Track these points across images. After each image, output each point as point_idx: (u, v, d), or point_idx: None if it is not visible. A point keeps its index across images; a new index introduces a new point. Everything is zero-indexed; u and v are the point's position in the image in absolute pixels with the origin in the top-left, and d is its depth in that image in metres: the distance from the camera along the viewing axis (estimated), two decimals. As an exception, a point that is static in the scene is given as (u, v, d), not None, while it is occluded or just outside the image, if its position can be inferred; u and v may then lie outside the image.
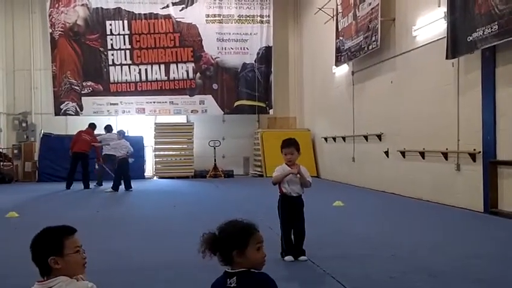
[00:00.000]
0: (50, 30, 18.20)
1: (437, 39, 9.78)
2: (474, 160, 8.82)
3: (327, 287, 4.60)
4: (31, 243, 2.18)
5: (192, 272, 4.90)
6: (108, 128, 14.69)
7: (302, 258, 5.37)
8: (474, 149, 8.78)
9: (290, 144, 5.38)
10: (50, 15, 18.18)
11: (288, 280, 4.64)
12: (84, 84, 18.45)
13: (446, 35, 9.15)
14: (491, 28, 7.88)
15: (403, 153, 11.37)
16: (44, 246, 2.14)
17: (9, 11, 18.49)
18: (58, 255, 2.11)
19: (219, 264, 2.24)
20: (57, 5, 18.19)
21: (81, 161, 14.20)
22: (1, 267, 5.38)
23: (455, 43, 8.91)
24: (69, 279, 2.12)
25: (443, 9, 9.43)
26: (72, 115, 17.86)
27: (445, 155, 9.65)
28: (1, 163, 16.82)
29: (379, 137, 12.65)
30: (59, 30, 18.24)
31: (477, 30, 8.25)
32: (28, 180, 17.41)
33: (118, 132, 14.32)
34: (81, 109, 18.44)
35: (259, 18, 19.30)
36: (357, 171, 14.20)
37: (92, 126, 14.94)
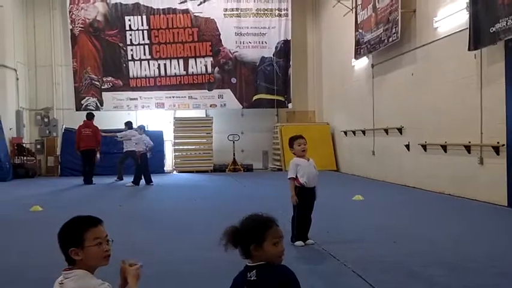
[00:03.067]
0: (70, 27, 18.39)
1: (459, 31, 9.62)
2: (498, 153, 8.66)
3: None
4: (58, 232, 2.23)
5: (214, 266, 4.94)
6: (129, 125, 14.70)
7: (309, 241, 5.82)
8: (498, 142, 8.62)
9: (301, 136, 5.92)
10: (70, 12, 18.36)
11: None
12: (104, 79, 18.61)
13: (468, 26, 8.99)
14: (515, 18, 7.71)
15: (424, 147, 11.24)
16: (65, 237, 2.18)
17: (31, 8, 18.72)
18: (78, 247, 2.15)
19: (241, 257, 2.26)
20: (77, 2, 18.35)
21: (88, 157, 14.21)
22: (26, 260, 5.48)
23: (478, 34, 8.74)
24: (83, 273, 2.15)
25: (465, 0, 9.26)
26: (93, 110, 18.02)
27: (468, 148, 9.50)
28: (24, 158, 17.08)
29: (400, 130, 12.51)
30: (79, 27, 18.42)
31: (500, 21, 8.08)
32: (51, 174, 17.68)
33: (138, 127, 14.40)
34: (102, 104, 18.63)
35: (277, 12, 19.21)
36: (377, 165, 14.09)
37: (90, 116, 14.76)
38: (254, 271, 2.19)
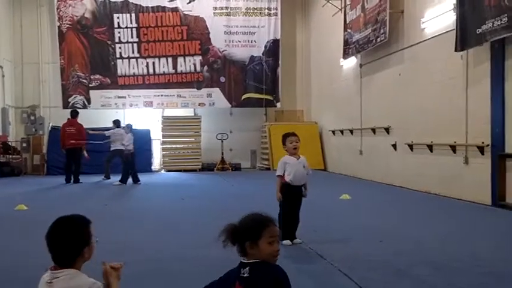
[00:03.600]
0: (58, 24, 18.20)
1: (446, 32, 9.72)
2: (482, 153, 8.78)
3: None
4: (59, 233, 2.16)
5: (202, 264, 4.95)
6: (117, 123, 14.57)
7: (297, 241, 5.82)
8: (482, 142, 8.74)
9: (294, 134, 5.89)
10: (57, 9, 18.17)
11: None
12: (92, 77, 18.46)
13: (455, 27, 9.09)
14: (501, 20, 7.82)
15: (411, 146, 11.34)
16: (76, 237, 2.16)
17: (18, 5, 18.50)
18: (88, 245, 2.18)
19: (238, 255, 2.28)
20: (64, -2, 18.19)
21: (73, 156, 14.07)
22: (12, 260, 5.42)
23: (465, 35, 8.84)
24: (75, 272, 2.14)
25: (453, 1, 9.37)
26: (80, 108, 17.81)
27: (453, 148, 9.61)
28: (10, 156, 16.87)
29: (387, 130, 12.61)
30: (67, 24, 18.25)
31: (486, 22, 8.19)
32: (36, 173, 17.48)
33: (126, 126, 14.27)
34: (89, 102, 18.48)
35: (266, 11, 19.22)
36: (364, 164, 14.17)
37: (74, 114, 14.56)
38: (247, 268, 2.21)
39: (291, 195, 5.79)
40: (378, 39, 12.42)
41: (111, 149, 14.16)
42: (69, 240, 2.15)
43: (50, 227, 2.20)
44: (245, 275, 2.20)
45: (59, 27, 18.22)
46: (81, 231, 2.20)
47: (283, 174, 5.79)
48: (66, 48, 18.29)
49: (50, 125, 18.03)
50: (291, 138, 5.81)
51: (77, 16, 18.28)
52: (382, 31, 12.18)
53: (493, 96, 8.46)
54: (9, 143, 17.17)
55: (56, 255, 2.16)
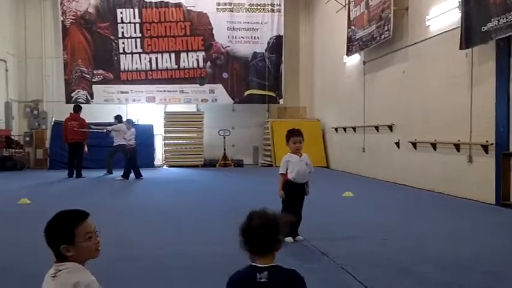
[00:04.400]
0: (62, 18, 18.20)
1: (451, 29, 9.66)
2: (487, 152, 8.73)
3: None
4: (44, 229, 2.17)
5: (205, 261, 4.95)
6: (119, 118, 14.57)
7: (299, 238, 5.80)
8: (487, 141, 8.69)
9: (299, 134, 5.83)
10: (61, 3, 18.16)
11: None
12: (95, 72, 18.46)
13: (460, 25, 9.03)
14: (507, 18, 7.76)
15: (414, 145, 11.29)
16: (55, 234, 2.13)
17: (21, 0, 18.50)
18: (69, 244, 2.11)
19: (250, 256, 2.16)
20: (68, -7, 18.18)
21: (75, 150, 14.11)
22: (14, 253, 5.42)
23: (469, 33, 8.79)
24: (77, 266, 2.13)
25: (458, -2, 9.30)
26: (83, 103, 17.77)
27: (457, 146, 9.57)
28: (13, 150, 16.93)
29: (390, 127, 12.56)
30: (70, 18, 18.24)
31: (492, 20, 8.13)
32: (39, 167, 17.53)
33: (127, 121, 14.27)
34: (92, 97, 18.48)
35: (270, 7, 19.16)
36: (367, 162, 14.14)
37: (76, 108, 14.63)
38: (266, 272, 2.09)
39: (294, 192, 5.80)
40: (382, 37, 12.36)
41: (114, 144, 14.17)
42: (48, 238, 2.15)
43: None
44: (263, 280, 2.08)
45: (62, 22, 18.21)
46: (54, 229, 2.15)
47: (286, 172, 5.80)
48: (70, 43, 18.29)
49: (53, 119, 18.02)
50: (295, 139, 5.79)
51: (80, 11, 18.27)
52: (386, 28, 12.13)
53: (498, 94, 8.40)
54: (13, 137, 17.21)
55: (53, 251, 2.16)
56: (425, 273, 4.56)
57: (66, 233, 2.12)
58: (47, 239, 2.15)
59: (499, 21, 7.95)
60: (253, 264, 2.13)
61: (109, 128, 14.38)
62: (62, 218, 2.17)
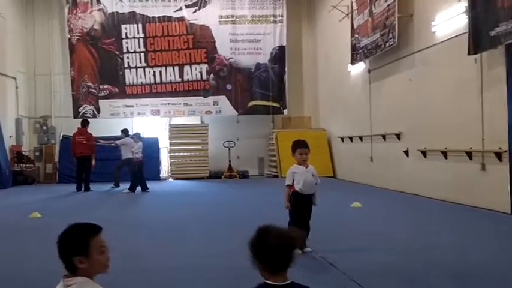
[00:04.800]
0: (68, 36, 18.42)
1: (458, 35, 9.51)
2: (500, 159, 8.49)
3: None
4: (58, 240, 2.16)
5: (212, 273, 4.87)
6: (126, 132, 14.64)
7: (307, 249, 5.64)
8: (500, 148, 8.46)
9: (304, 145, 5.83)
10: (68, 21, 18.40)
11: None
12: (101, 87, 18.59)
13: (467, 30, 8.87)
14: (516, 22, 7.60)
15: (424, 153, 11.08)
16: (70, 245, 2.13)
17: (31, 18, 18.85)
18: (83, 255, 2.10)
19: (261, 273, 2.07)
20: (74, 11, 18.39)
21: (83, 164, 14.21)
22: (26, 267, 5.39)
23: (478, 38, 8.62)
24: (85, 280, 2.11)
25: (464, 3, 9.16)
26: (89, 118, 17.74)
27: (469, 154, 9.33)
28: (24, 165, 17.25)
29: (398, 136, 12.37)
30: (77, 35, 18.45)
31: (500, 24, 7.97)
32: (49, 181, 17.73)
33: (135, 134, 14.34)
34: (99, 112, 18.57)
35: (272, 18, 19.16)
36: (375, 171, 13.93)
37: (84, 123, 14.77)
38: None
39: (301, 204, 5.72)
40: (387, 44, 12.23)
41: (122, 158, 14.19)
42: (62, 249, 2.14)
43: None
44: None
45: (69, 39, 18.44)
46: (68, 241, 2.14)
47: (292, 184, 5.73)
48: (76, 59, 18.49)
49: (61, 134, 18.18)
50: (301, 150, 5.78)
51: (86, 28, 18.47)
52: (390, 36, 11.99)
53: (510, 100, 8.21)
54: (23, 153, 17.56)
55: (63, 263, 2.15)
56: (436, 284, 4.45)
57: (81, 244, 2.12)
58: (59, 249, 2.15)
59: (507, 25, 7.79)
60: (269, 282, 2.04)
61: (117, 142, 14.46)
62: (77, 229, 2.19)
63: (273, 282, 2.02)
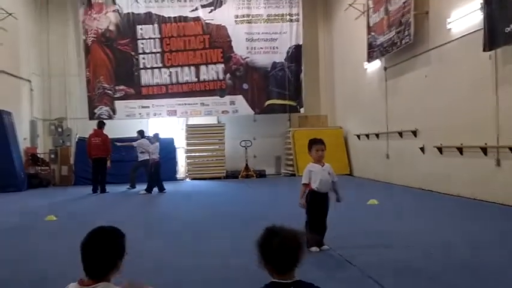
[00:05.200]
0: (84, 37, 18.59)
1: (473, 32, 9.50)
2: (515, 155, 8.51)
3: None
4: (96, 244, 2.16)
5: (228, 273, 4.90)
6: (142, 133, 14.66)
7: (325, 247, 5.74)
8: (515, 143, 8.47)
9: (321, 142, 5.85)
10: (83, 22, 18.57)
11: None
12: (116, 88, 18.71)
13: (482, 27, 8.86)
14: (531, 17, 7.58)
15: (439, 149, 11.08)
16: (116, 248, 2.17)
17: (45, 20, 18.97)
18: (122, 258, 2.18)
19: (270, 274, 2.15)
20: (89, 12, 18.56)
21: (99, 166, 14.14)
22: (43, 269, 5.42)
23: (493, 35, 8.61)
24: (108, 286, 2.14)
25: (480, 0, 9.14)
26: (105, 119, 17.91)
27: (484, 150, 9.35)
28: (39, 168, 17.18)
29: (414, 133, 12.37)
30: (92, 37, 18.59)
31: (515, 20, 7.95)
32: (65, 183, 17.68)
33: (154, 135, 14.29)
34: (114, 113, 18.71)
35: (288, 17, 19.20)
36: (391, 168, 13.93)
37: (100, 125, 14.63)
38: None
39: (317, 202, 5.75)
40: (403, 42, 12.23)
41: (139, 159, 14.27)
42: (106, 252, 2.14)
43: (87, 237, 2.18)
44: None
45: (84, 40, 18.59)
46: (118, 243, 2.19)
47: (309, 182, 5.76)
48: (92, 60, 18.62)
49: (77, 136, 18.26)
50: (318, 147, 5.79)
51: (101, 29, 18.60)
52: (406, 33, 11.99)
53: (525, 95, 8.20)
54: (38, 155, 17.49)
55: (90, 266, 2.13)
56: (453, 281, 4.45)
57: (123, 247, 2.19)
58: (101, 252, 2.13)
59: (522, 21, 7.78)
60: (276, 280, 2.11)
61: (134, 143, 14.50)
62: (117, 231, 2.23)
63: (279, 280, 2.09)
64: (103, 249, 2.13)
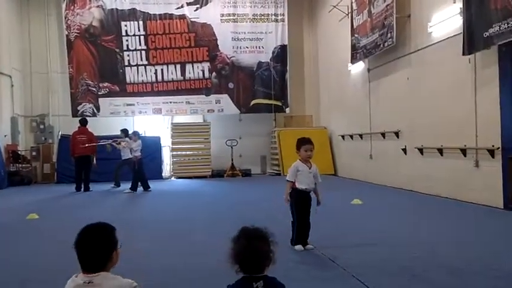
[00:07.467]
0: (66, 32, 18.33)
1: (453, 36, 9.75)
2: (493, 156, 8.77)
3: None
4: (91, 238, 2.24)
5: (212, 274, 4.97)
6: (126, 132, 14.56)
7: (309, 246, 5.87)
8: (493, 145, 8.73)
9: (310, 142, 5.96)
10: (65, 17, 18.29)
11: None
12: (100, 85, 18.54)
13: (462, 31, 9.10)
14: (508, 23, 7.83)
15: (421, 150, 11.34)
16: (110, 239, 2.28)
17: (26, 14, 18.63)
18: (116, 249, 2.29)
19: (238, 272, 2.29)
20: (72, 7, 18.31)
21: (82, 164, 14.04)
22: (25, 269, 5.43)
23: (472, 39, 8.86)
24: (110, 275, 2.23)
25: (459, 5, 9.40)
26: (89, 116, 17.59)
27: (464, 151, 9.61)
28: (20, 165, 16.88)
29: (397, 134, 12.62)
30: (75, 32, 18.37)
31: (493, 25, 8.20)
32: (47, 181, 17.46)
33: (133, 133, 14.21)
34: (98, 110, 18.55)
35: (273, 17, 19.33)
36: (374, 168, 14.17)
37: (83, 122, 14.52)
38: (261, 281, 2.24)
39: (301, 200, 5.84)
40: (386, 44, 12.45)
41: (122, 158, 14.24)
42: (100, 246, 2.24)
43: (79, 235, 2.27)
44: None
45: (67, 36, 18.34)
46: (110, 236, 2.30)
47: (294, 181, 5.87)
48: (75, 56, 18.39)
49: (60, 133, 18.01)
50: (307, 147, 5.88)
51: (84, 24, 18.39)
52: (389, 36, 12.22)
53: (502, 98, 8.46)
54: (19, 152, 17.19)
55: (88, 261, 2.22)
56: (437, 279, 4.57)
57: (115, 238, 2.31)
58: (97, 246, 2.22)
59: (500, 26, 8.02)
60: (244, 276, 2.27)
61: (123, 143, 14.32)
62: (107, 225, 2.34)
63: (251, 274, 2.25)
64: (97, 243, 2.23)
